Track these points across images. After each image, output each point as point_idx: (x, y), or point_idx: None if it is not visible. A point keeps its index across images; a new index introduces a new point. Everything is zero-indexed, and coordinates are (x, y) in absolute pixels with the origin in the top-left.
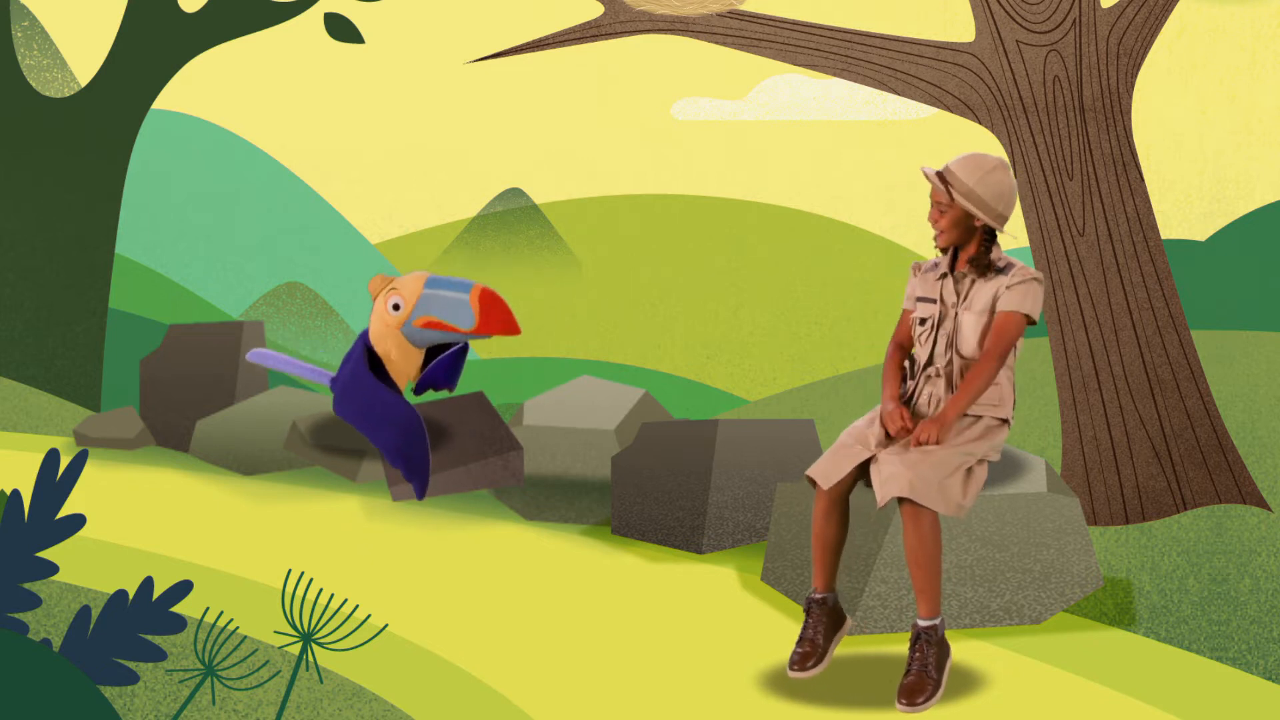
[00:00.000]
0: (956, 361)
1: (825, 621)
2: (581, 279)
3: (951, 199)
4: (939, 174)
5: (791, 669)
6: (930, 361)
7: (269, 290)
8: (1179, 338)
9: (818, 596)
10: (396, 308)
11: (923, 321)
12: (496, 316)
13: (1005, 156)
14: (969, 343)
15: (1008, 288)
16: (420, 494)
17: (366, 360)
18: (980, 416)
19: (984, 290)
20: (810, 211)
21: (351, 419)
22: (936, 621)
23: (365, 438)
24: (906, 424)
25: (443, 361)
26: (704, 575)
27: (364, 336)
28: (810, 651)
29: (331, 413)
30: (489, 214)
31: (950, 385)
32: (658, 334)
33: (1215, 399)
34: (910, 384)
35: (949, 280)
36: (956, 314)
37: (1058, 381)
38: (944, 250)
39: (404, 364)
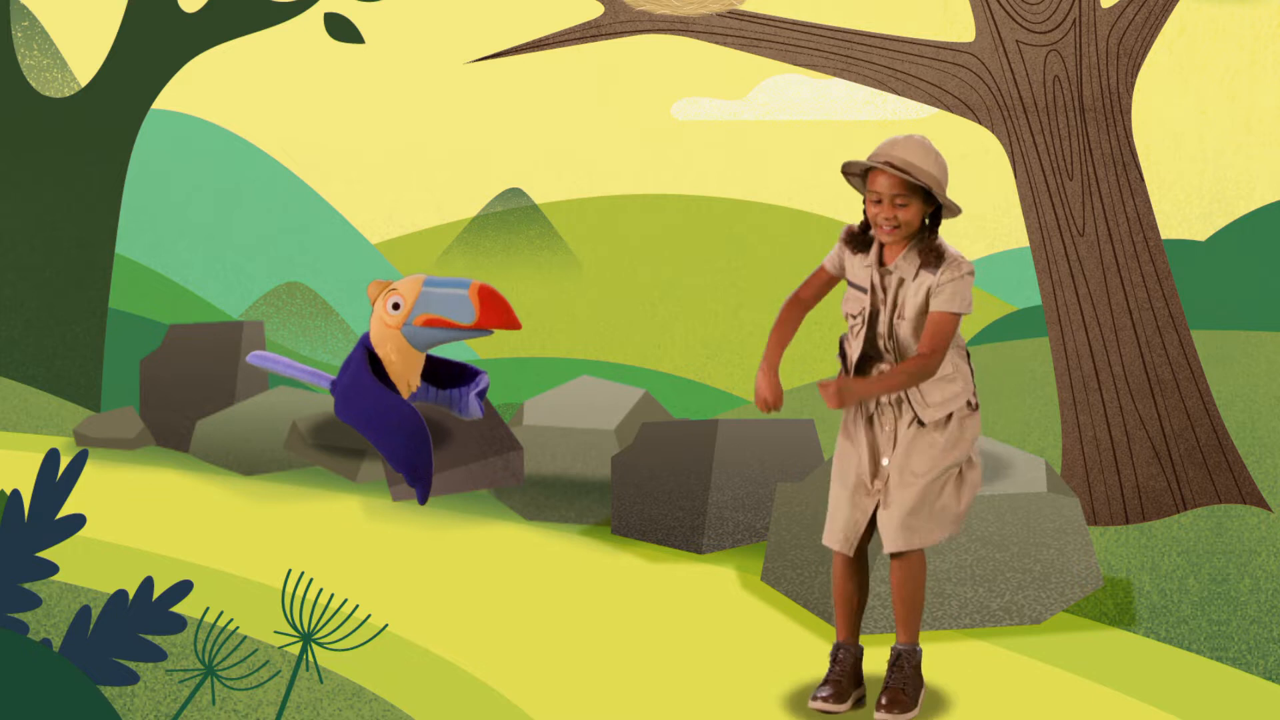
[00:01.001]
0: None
1: (850, 666)
2: (581, 279)
3: (919, 186)
4: (892, 165)
5: (813, 701)
6: (875, 358)
7: (269, 290)
8: (1179, 338)
9: (846, 644)
10: (396, 307)
11: (854, 315)
12: (496, 311)
13: (1005, 156)
14: (909, 350)
15: (939, 286)
16: (423, 499)
17: (368, 363)
18: (949, 415)
19: (915, 292)
20: (810, 211)
21: (354, 423)
22: (917, 647)
23: (365, 437)
24: (775, 400)
25: (466, 391)
26: (704, 575)
27: (364, 339)
28: (835, 693)
29: (332, 413)
30: (489, 214)
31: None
32: (658, 334)
33: (1215, 399)
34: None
35: (873, 272)
36: (891, 320)
37: (1058, 381)
38: (864, 244)
39: (404, 367)
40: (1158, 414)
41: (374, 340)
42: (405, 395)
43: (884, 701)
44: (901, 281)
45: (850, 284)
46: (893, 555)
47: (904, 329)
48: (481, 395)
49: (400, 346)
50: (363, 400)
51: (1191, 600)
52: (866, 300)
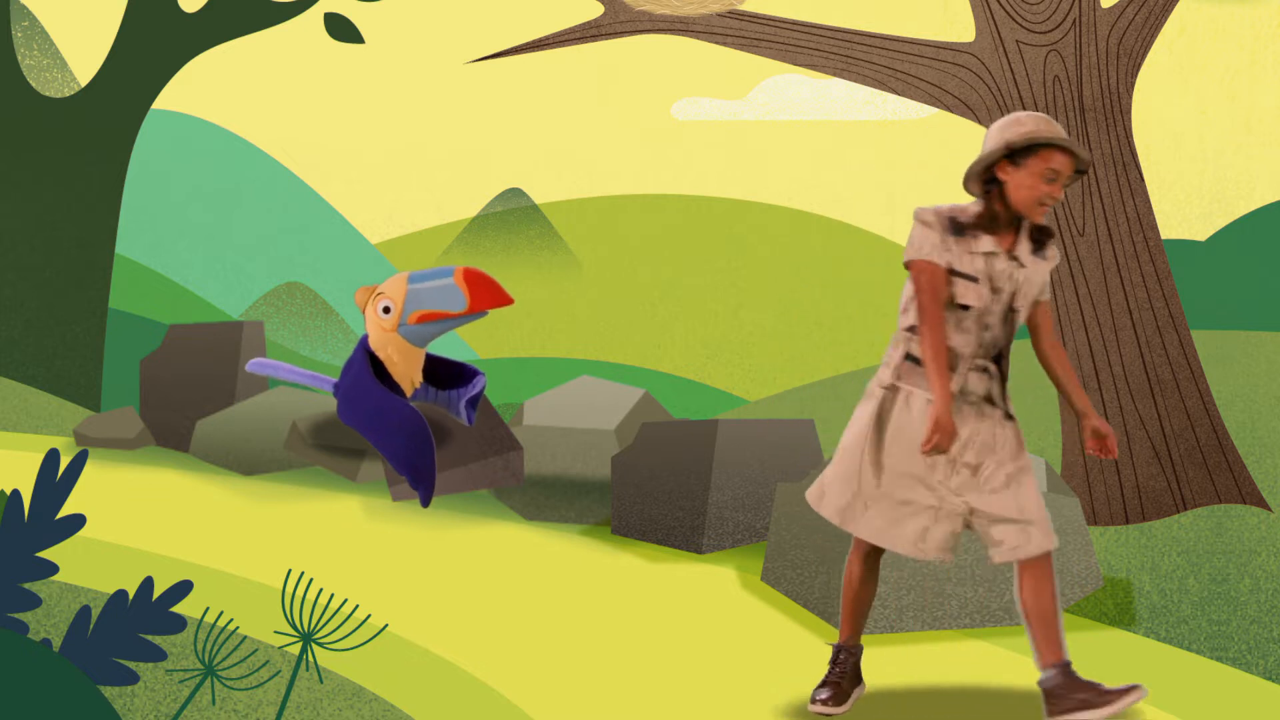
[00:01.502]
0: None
1: (851, 667)
2: (581, 279)
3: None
4: (1064, 146)
5: (813, 704)
6: (986, 354)
7: (269, 290)
8: (1179, 338)
9: (849, 645)
10: (387, 311)
11: (969, 307)
12: (486, 292)
13: None
14: (1002, 341)
15: (1050, 273)
16: (426, 501)
17: (369, 365)
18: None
19: (1031, 277)
20: (810, 211)
21: (357, 425)
22: None
23: (368, 440)
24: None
25: (461, 395)
26: (704, 575)
27: (364, 342)
28: (835, 694)
29: (331, 413)
30: (489, 214)
31: (1003, 381)
32: (658, 334)
33: (1215, 399)
34: (954, 377)
35: (997, 259)
36: (1012, 307)
37: None
38: (962, 229)
39: (406, 366)
40: (1158, 414)
41: (373, 344)
42: (409, 393)
43: (1102, 698)
44: (1023, 267)
45: (957, 274)
46: (1035, 560)
47: (1019, 319)
48: (474, 403)
49: (401, 347)
50: (365, 402)
51: (1191, 600)
52: (984, 290)
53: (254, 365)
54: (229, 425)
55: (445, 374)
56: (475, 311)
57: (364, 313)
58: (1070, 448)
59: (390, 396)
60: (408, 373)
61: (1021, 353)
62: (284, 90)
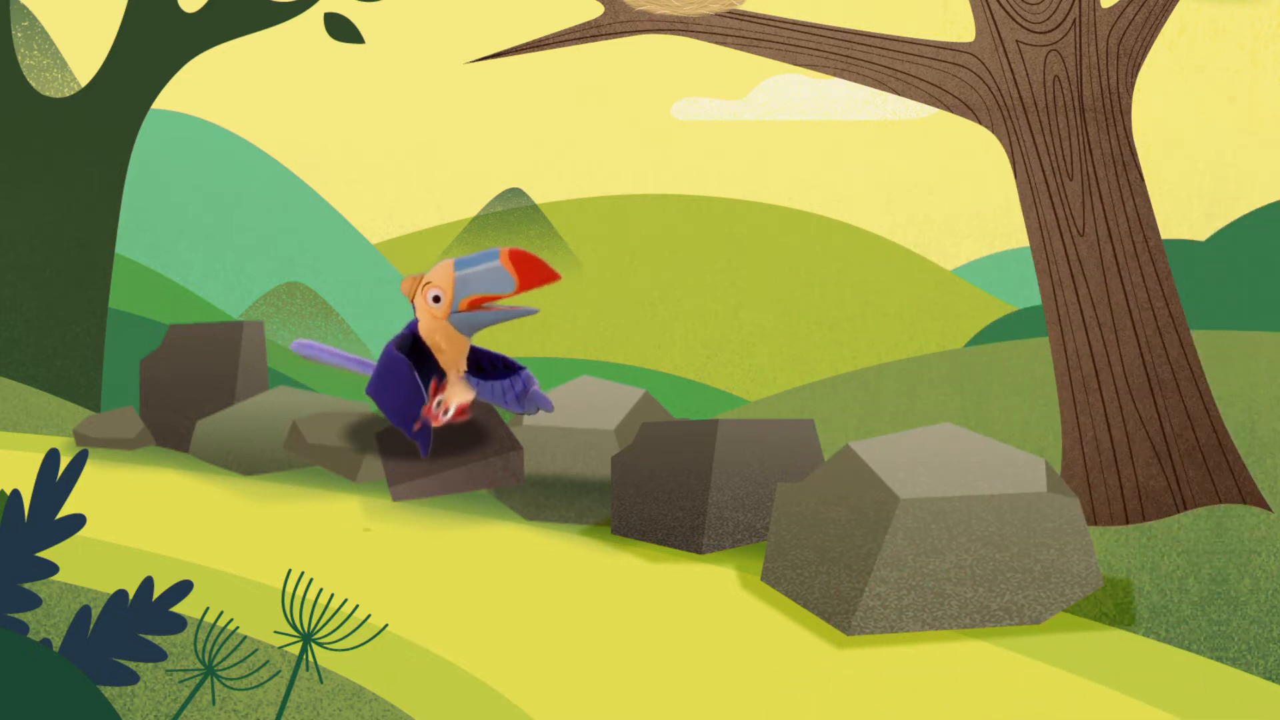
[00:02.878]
0: None
1: None
2: (581, 279)
3: None
4: None
5: None
6: None
7: (269, 290)
8: (1179, 338)
9: None
10: (437, 300)
11: None
12: (533, 270)
13: (1005, 156)
14: None
15: None
16: (425, 452)
17: (405, 353)
18: None
19: None
20: (810, 211)
21: (378, 400)
22: None
23: (365, 435)
24: None
25: (511, 386)
26: (704, 575)
27: (412, 326)
28: None
29: (331, 413)
30: (489, 214)
31: None
32: (658, 334)
33: (1215, 399)
34: None
35: None
36: None
37: (1058, 381)
38: None
39: (454, 353)
40: (1158, 414)
41: (423, 332)
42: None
43: None
44: None
45: None
46: None
47: None
48: (523, 397)
49: (449, 335)
50: (391, 386)
51: (1191, 600)
52: None
53: (298, 346)
54: (229, 425)
55: (489, 365)
56: (524, 291)
57: (412, 302)
58: (1070, 448)
59: (414, 381)
60: (454, 360)
61: (1022, 352)
62: (284, 90)
